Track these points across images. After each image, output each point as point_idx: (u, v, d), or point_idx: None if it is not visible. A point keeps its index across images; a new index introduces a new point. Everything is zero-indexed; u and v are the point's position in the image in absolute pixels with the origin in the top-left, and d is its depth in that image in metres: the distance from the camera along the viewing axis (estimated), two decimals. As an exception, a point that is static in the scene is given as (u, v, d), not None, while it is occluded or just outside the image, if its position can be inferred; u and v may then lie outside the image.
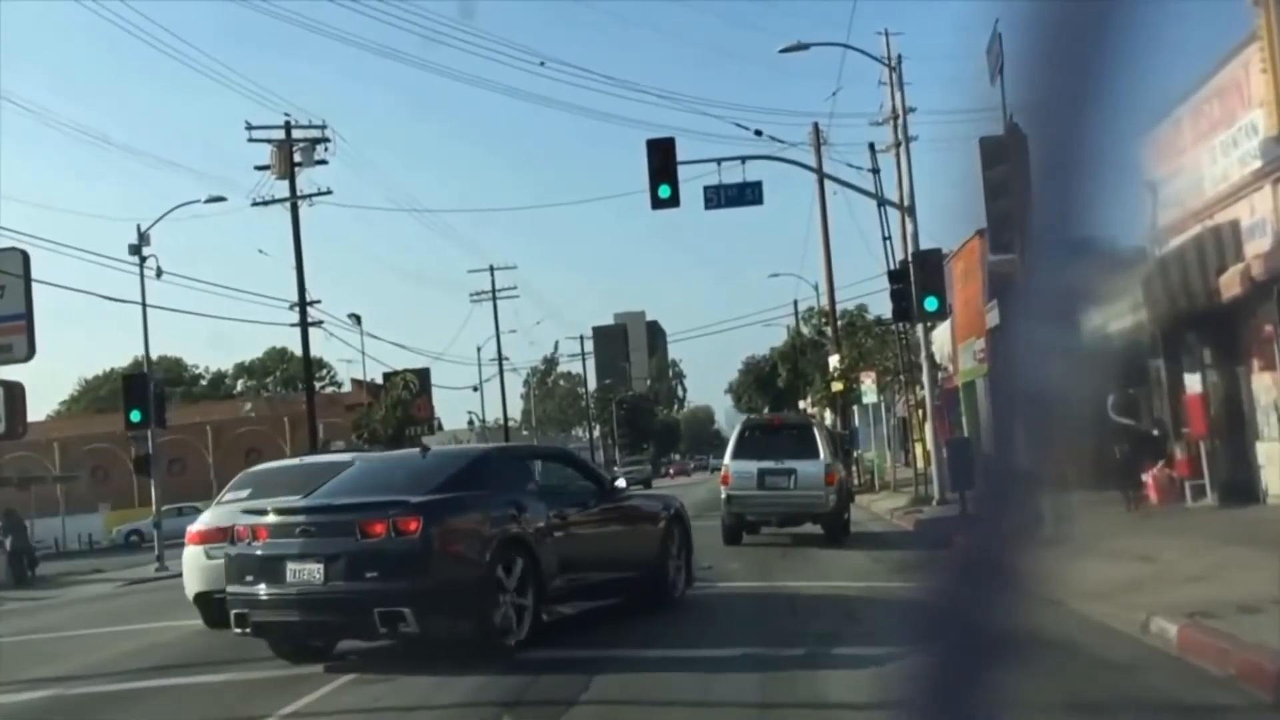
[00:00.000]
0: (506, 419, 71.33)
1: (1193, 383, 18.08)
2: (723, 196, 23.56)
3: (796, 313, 60.39)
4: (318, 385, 59.81)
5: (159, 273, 30.40)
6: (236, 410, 71.22)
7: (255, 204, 36.45)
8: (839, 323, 42.49)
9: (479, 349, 64.90)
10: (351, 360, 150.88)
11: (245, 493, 12.83)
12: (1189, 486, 17.55)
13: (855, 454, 38.30)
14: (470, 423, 68.58)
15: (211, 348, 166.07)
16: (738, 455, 19.07)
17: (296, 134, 36.38)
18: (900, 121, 26.26)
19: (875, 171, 27.89)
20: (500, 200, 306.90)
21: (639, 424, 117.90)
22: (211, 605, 12.25)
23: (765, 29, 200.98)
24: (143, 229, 30.39)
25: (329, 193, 37.06)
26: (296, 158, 35.97)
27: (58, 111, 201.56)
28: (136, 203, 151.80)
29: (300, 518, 9.15)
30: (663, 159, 21.33)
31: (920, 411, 31.46)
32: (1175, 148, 17.05)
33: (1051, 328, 1.32)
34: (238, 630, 9.32)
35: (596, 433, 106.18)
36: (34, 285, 25.21)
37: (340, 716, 7.72)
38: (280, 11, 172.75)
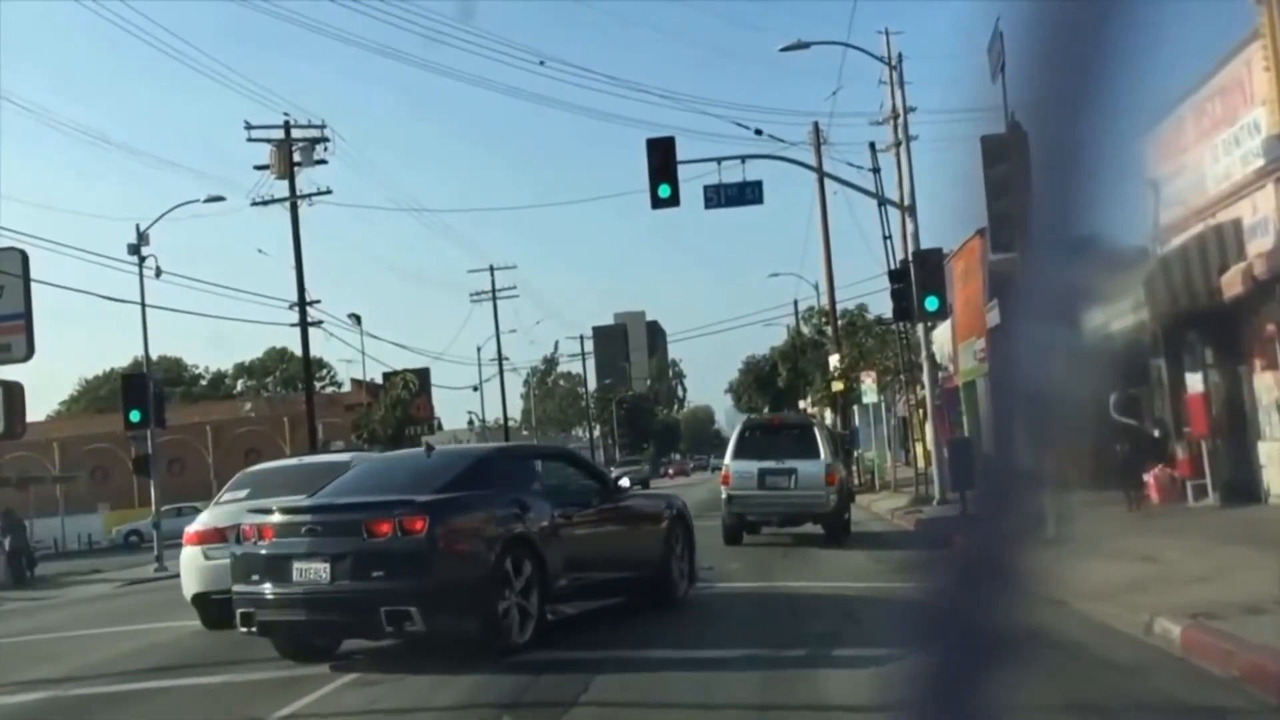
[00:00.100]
0: (506, 419, 71.37)
1: (1194, 382, 18.03)
2: (723, 196, 23.52)
3: (797, 312, 60.46)
4: (317, 385, 59.80)
5: (158, 272, 30.37)
6: (236, 410, 71.20)
7: (255, 204, 36.45)
8: (839, 322, 42.45)
9: (479, 349, 64.94)
10: (351, 360, 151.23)
11: (243, 493, 12.79)
12: (1190, 486, 17.50)
13: (855, 454, 38.25)
14: (470, 423, 68.62)
15: (211, 348, 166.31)
16: (738, 455, 19.03)
17: (296, 134, 36.36)
18: (901, 120, 26.22)
19: (876, 171, 27.85)
20: (500, 200, 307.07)
21: (639, 424, 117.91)
22: (209, 606, 12.22)
23: (765, 28, 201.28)
24: (142, 229, 30.36)
25: (328, 192, 37.08)
26: (296, 157, 35.94)
27: (58, 111, 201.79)
28: (136, 203, 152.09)
29: (306, 517, 9.16)
30: (662, 158, 21.29)
31: (920, 411, 31.43)
32: (1177, 146, 17.01)
33: (1052, 327, 1.32)
34: (243, 629, 9.31)
35: (596, 433, 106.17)
36: (34, 285, 25.24)
37: (338, 718, 7.67)
38: (280, 11, 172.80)
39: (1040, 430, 1.34)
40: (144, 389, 28.21)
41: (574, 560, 9.93)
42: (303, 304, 36.25)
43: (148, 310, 30.49)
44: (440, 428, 60.91)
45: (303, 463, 15.20)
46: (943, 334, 30.25)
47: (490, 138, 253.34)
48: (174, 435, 45.98)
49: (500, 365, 64.34)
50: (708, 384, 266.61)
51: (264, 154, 36.46)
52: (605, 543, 10.79)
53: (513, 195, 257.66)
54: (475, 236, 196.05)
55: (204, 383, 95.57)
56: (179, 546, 13.13)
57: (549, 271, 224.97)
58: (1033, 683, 1.34)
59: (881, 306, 40.17)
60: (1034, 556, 1.34)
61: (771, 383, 68.15)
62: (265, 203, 36.36)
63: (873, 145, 27.82)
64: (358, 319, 45.13)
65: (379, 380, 55.47)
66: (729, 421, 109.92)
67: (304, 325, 36.45)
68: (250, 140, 36.40)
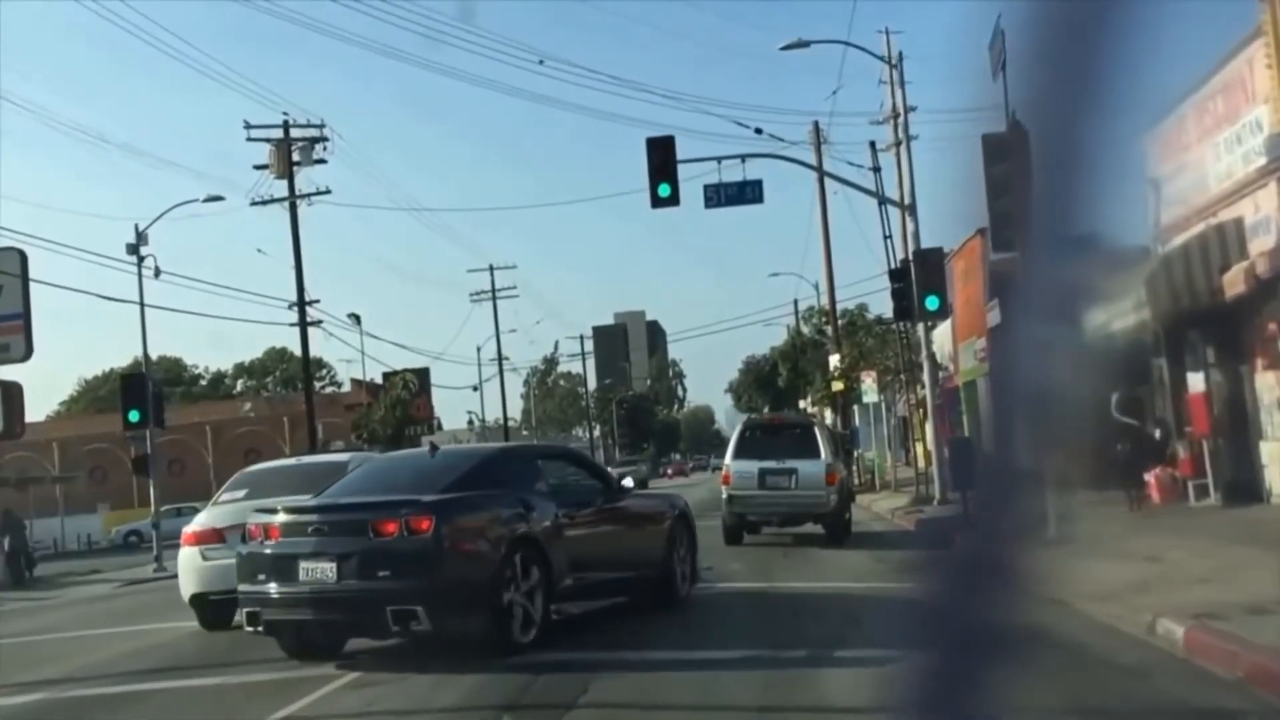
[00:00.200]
0: (506, 419, 71.30)
1: (1196, 382, 17.98)
2: (723, 195, 23.48)
3: (797, 312, 60.43)
4: (317, 385, 59.77)
5: (157, 272, 30.33)
6: (236, 410, 71.14)
7: (254, 203, 36.39)
8: (839, 322, 42.41)
9: (479, 349, 64.84)
10: (351, 360, 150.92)
11: (241, 493, 12.74)
12: (1192, 486, 17.46)
13: (856, 454, 38.20)
14: (470, 423, 68.54)
15: (211, 348, 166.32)
16: (739, 455, 19.02)
17: (295, 133, 36.29)
18: (901, 120, 26.17)
19: (876, 170, 27.80)
20: (500, 200, 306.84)
21: (639, 424, 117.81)
22: (207, 607, 12.18)
23: (766, 27, 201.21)
24: (140, 228, 30.32)
25: (328, 192, 37.02)
26: (295, 157, 35.88)
27: (58, 111, 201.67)
28: (136, 203, 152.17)
29: (313, 516, 9.19)
30: (662, 157, 21.26)
31: (921, 411, 31.37)
32: (1179, 145, 16.96)
33: (1052, 326, 1.32)
34: (249, 629, 9.33)
35: (596, 433, 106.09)
36: (34, 285, 25.14)
37: (336, 720, 7.62)
38: (280, 11, 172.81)
39: (1041, 430, 1.34)
40: (143, 389, 28.15)
41: (578, 560, 9.94)
42: (302, 304, 36.19)
43: (147, 310, 30.52)
44: (440, 428, 60.85)
45: (301, 463, 15.15)
46: (943, 333, 30.19)
47: (490, 138, 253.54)
48: (173, 435, 45.92)
49: (500, 365, 64.35)
50: (708, 384, 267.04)
51: (263, 154, 36.44)
52: (609, 542, 10.80)
53: (513, 195, 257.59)
54: (475, 236, 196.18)
55: (204, 383, 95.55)
56: (178, 547, 13.08)
57: (549, 271, 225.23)
58: (1034, 684, 1.33)
59: (882, 306, 40.18)
60: (1035, 556, 1.33)
61: (772, 383, 68.10)
62: (264, 202, 36.32)
63: (873, 144, 27.80)
64: (357, 319, 45.11)
65: (379, 380, 55.44)
66: (729, 421, 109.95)
67: (303, 325, 36.40)
68: (250, 140, 36.38)
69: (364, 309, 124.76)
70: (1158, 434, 18.70)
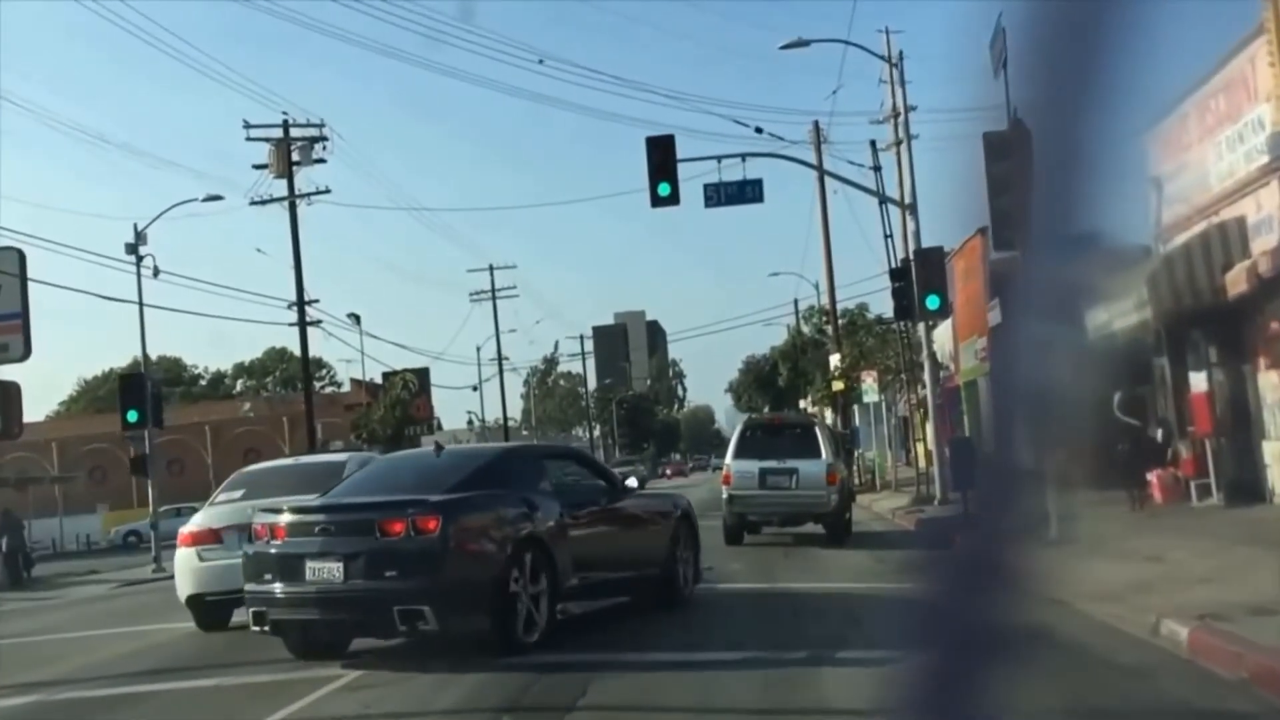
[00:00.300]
0: (506, 419, 71.20)
1: (1198, 381, 17.91)
2: (723, 194, 23.43)
3: (797, 312, 60.37)
4: (317, 385, 59.74)
5: (156, 272, 30.28)
6: (235, 410, 71.03)
7: (253, 203, 36.29)
8: (840, 321, 42.35)
9: (479, 349, 64.73)
10: (351, 360, 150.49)
11: (239, 493, 12.67)
12: (1194, 486, 17.40)
13: (856, 453, 38.13)
14: (470, 422, 68.43)
15: (212, 348, 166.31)
16: (739, 455, 18.99)
17: (295, 133, 36.21)
18: (901, 119, 26.11)
19: (876, 169, 27.75)
20: (500, 200, 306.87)
21: (639, 424, 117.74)
22: (203, 607, 12.11)
23: (766, 26, 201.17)
24: (139, 228, 30.26)
25: (327, 191, 36.92)
26: (294, 156, 35.80)
27: (58, 111, 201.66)
28: (136, 203, 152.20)
29: (319, 516, 9.20)
30: (662, 156, 21.21)
31: (921, 411, 31.30)
32: (1180, 143, 16.90)
33: (1052, 325, 1.31)
34: (255, 628, 9.33)
35: (596, 433, 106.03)
36: (33, 285, 25.08)
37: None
38: (281, 11, 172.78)
39: (1041, 430, 1.33)
40: (142, 389, 28.09)
41: (583, 560, 9.95)
42: (301, 303, 36.11)
43: (147, 310, 30.47)
44: (440, 428, 60.78)
45: (298, 463, 15.09)
46: (944, 333, 30.14)
47: (490, 138, 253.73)
48: (173, 435, 45.85)
49: (500, 365, 64.27)
50: (708, 384, 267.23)
51: (263, 153, 36.35)
52: (613, 542, 10.83)
53: (513, 195, 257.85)
54: (475, 236, 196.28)
55: (203, 383, 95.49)
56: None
57: (549, 271, 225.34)
58: (1036, 685, 1.32)
59: (882, 306, 40.10)
60: (1036, 556, 1.33)
61: (772, 382, 68.06)
62: (264, 202, 36.23)
63: (873, 143, 27.75)
64: (357, 319, 45.03)
65: (378, 380, 55.39)
66: (729, 421, 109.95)
67: (303, 325, 36.32)
68: (249, 140, 36.30)
69: (364, 309, 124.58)
70: (1159, 435, 18.64)
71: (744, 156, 23.59)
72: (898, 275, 24.07)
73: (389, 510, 8.90)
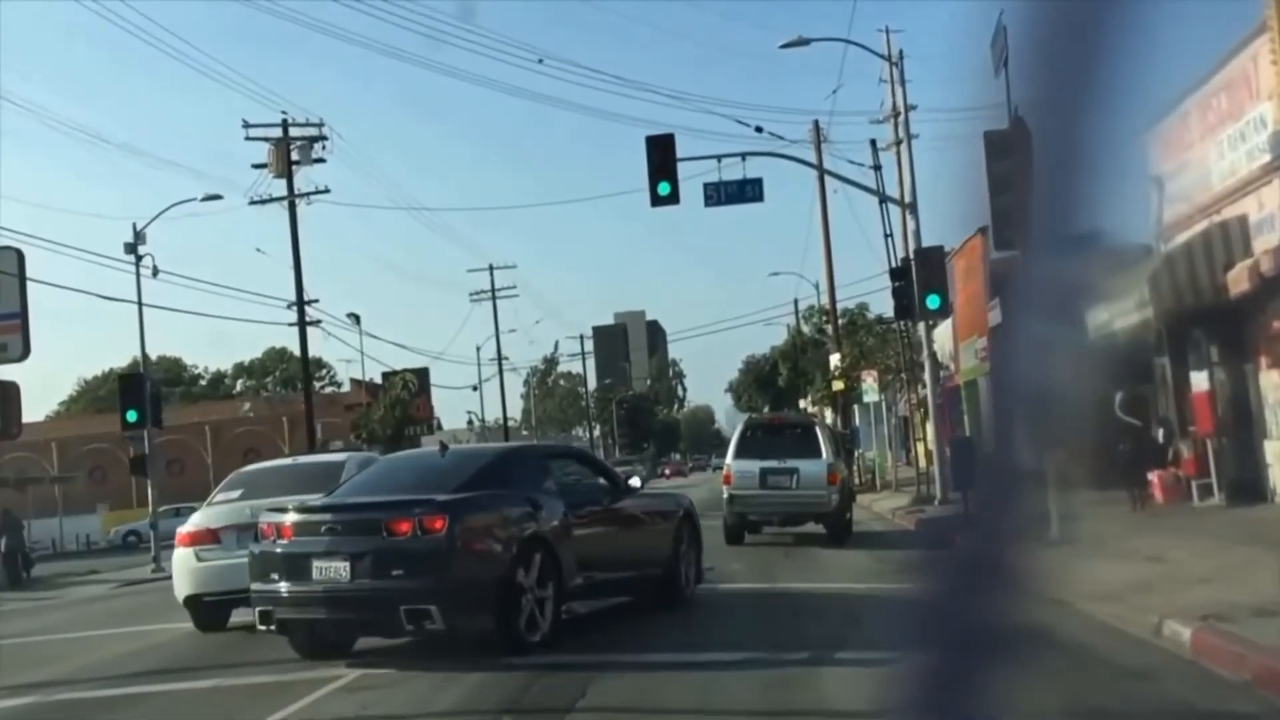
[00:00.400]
0: (506, 419, 71.15)
1: (1199, 380, 17.87)
2: (723, 193, 23.39)
3: (797, 311, 60.32)
4: (317, 385, 59.70)
5: (155, 271, 30.23)
6: (235, 410, 70.98)
7: (252, 203, 36.23)
8: (840, 321, 42.29)
9: (478, 348, 64.68)
10: (351, 360, 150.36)
11: (236, 494, 12.63)
12: (1196, 486, 17.35)
13: (856, 453, 38.07)
14: (470, 422, 68.36)
15: (212, 348, 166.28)
16: (740, 454, 18.97)
17: (294, 132, 36.16)
18: (902, 118, 26.07)
19: (877, 168, 27.70)
20: (500, 200, 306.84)
21: (639, 424, 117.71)
22: (201, 608, 12.07)
23: (766, 27, 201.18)
24: (139, 228, 30.21)
25: (326, 191, 36.85)
26: (294, 156, 35.75)
27: (58, 111, 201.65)
28: (136, 203, 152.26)
29: (326, 516, 9.23)
30: (662, 156, 21.16)
31: (922, 410, 31.25)
32: (1182, 142, 16.86)
33: (1052, 324, 1.31)
34: (261, 627, 9.34)
35: (596, 432, 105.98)
36: (33, 285, 25.00)
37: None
38: (281, 11, 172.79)
39: (1042, 429, 1.33)
40: (141, 389, 28.05)
41: (587, 559, 9.98)
42: (300, 303, 36.06)
43: (146, 310, 30.43)
44: (440, 428, 60.72)
45: (296, 463, 15.07)
46: (944, 333, 30.09)
47: (490, 138, 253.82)
48: (173, 435, 45.79)
49: (500, 365, 64.22)
50: (708, 384, 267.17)
51: (262, 153, 36.31)
52: (617, 542, 10.87)
53: (513, 195, 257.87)
54: (475, 236, 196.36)
55: (203, 383, 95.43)
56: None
57: (549, 271, 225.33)
58: (1037, 686, 1.31)
59: (882, 305, 40.03)
60: (1036, 556, 1.33)
61: (772, 382, 68.01)
62: (263, 201, 36.17)
63: (873, 142, 27.71)
64: (357, 318, 44.97)
65: (378, 380, 55.34)
66: (729, 421, 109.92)
67: (302, 324, 36.27)
68: (249, 139, 36.25)
69: (363, 309, 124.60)
70: (1160, 435, 18.59)
71: (744, 156, 23.56)
72: (898, 275, 24.02)
73: (396, 510, 8.92)
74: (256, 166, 36.44)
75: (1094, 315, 1.34)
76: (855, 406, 38.64)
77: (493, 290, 62.14)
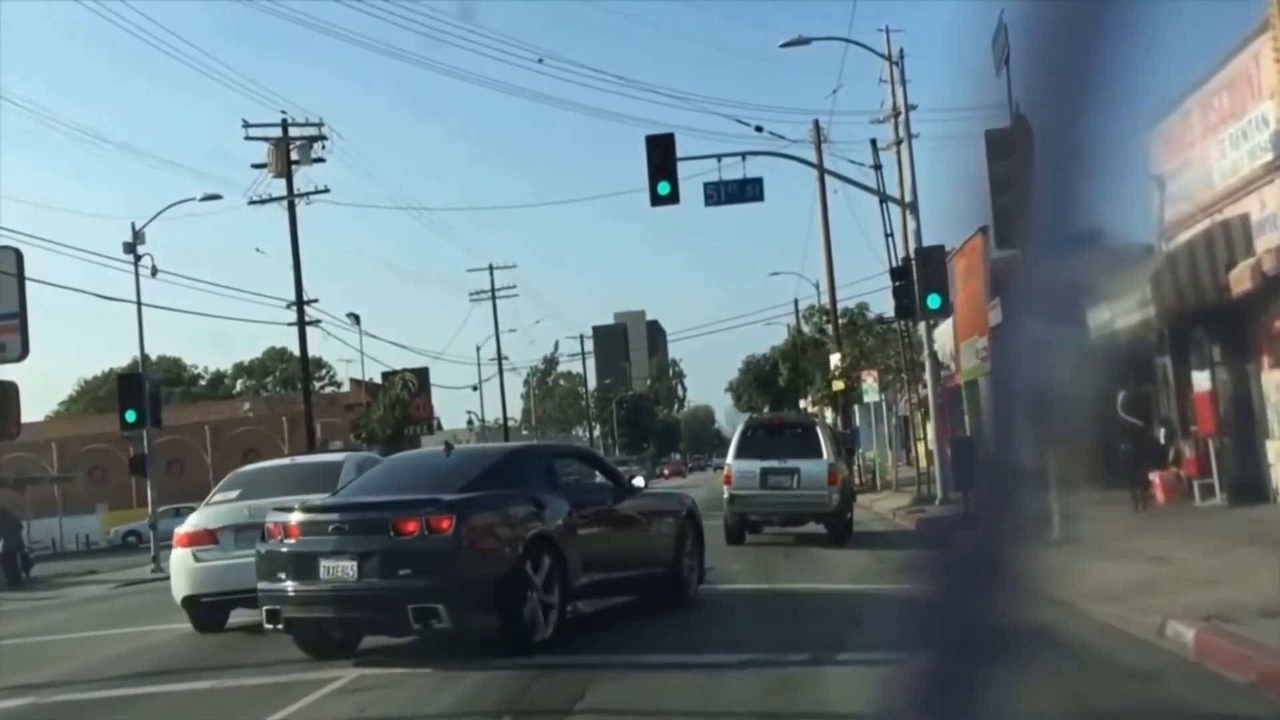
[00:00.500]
0: (506, 418, 71.12)
1: (1201, 380, 17.82)
2: (723, 193, 23.35)
3: (797, 311, 60.25)
4: (317, 385, 59.68)
5: (154, 271, 30.17)
6: (235, 410, 70.87)
7: (252, 202, 36.18)
8: (840, 321, 42.24)
9: (478, 348, 64.63)
10: (350, 360, 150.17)
11: (234, 494, 12.59)
12: (1197, 485, 17.29)
13: (857, 453, 38.02)
14: (469, 422, 68.31)
15: (211, 348, 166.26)
16: (741, 454, 18.95)
17: (294, 132, 36.10)
18: (902, 118, 26.04)
19: (877, 168, 27.66)
20: (500, 200, 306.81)
21: (639, 424, 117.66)
22: (199, 608, 12.02)
23: (766, 26, 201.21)
24: (138, 227, 30.16)
25: (326, 191, 36.78)
26: (293, 155, 35.70)
27: (58, 111, 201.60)
28: (136, 203, 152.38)
29: (333, 515, 9.26)
30: (662, 155, 21.11)
31: (922, 410, 31.20)
32: (1183, 141, 16.81)
33: (1053, 323, 1.31)
34: (268, 626, 9.35)
35: (596, 432, 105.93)
36: (33, 285, 24.95)
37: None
38: (281, 11, 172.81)
39: (1043, 429, 1.33)
40: (140, 389, 28.00)
41: (592, 558, 10.02)
42: (300, 303, 36.01)
43: (146, 310, 30.38)
44: (440, 428, 60.68)
45: (294, 463, 15.04)
46: (944, 332, 30.04)
47: (490, 138, 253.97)
48: (173, 435, 45.72)
49: (500, 365, 64.19)
50: (708, 384, 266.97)
51: (262, 153, 36.26)
52: (621, 541, 10.93)
53: (513, 195, 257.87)
54: (475, 236, 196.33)
55: (203, 383, 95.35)
56: (175, 548, 12.90)
57: (549, 271, 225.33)
58: (1039, 687, 1.30)
59: (883, 305, 40.01)
60: (1037, 556, 1.32)
61: (772, 382, 67.94)
62: (262, 201, 36.11)
63: (874, 142, 27.68)
64: (356, 318, 44.91)
65: (378, 380, 55.30)
66: (729, 421, 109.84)
67: (301, 324, 36.22)
68: (248, 139, 36.18)
69: (363, 308, 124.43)
70: (1162, 435, 18.54)
71: (744, 155, 23.52)
72: (898, 274, 23.98)
73: (403, 509, 8.96)
74: (256, 166, 36.41)
75: (1095, 315, 1.34)
76: (855, 406, 38.59)
77: (493, 290, 62.17)
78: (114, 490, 58.09)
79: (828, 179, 34.15)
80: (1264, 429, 16.19)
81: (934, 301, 22.07)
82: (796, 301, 61.21)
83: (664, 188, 21.07)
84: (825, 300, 43.03)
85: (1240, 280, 14.84)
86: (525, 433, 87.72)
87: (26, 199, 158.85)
